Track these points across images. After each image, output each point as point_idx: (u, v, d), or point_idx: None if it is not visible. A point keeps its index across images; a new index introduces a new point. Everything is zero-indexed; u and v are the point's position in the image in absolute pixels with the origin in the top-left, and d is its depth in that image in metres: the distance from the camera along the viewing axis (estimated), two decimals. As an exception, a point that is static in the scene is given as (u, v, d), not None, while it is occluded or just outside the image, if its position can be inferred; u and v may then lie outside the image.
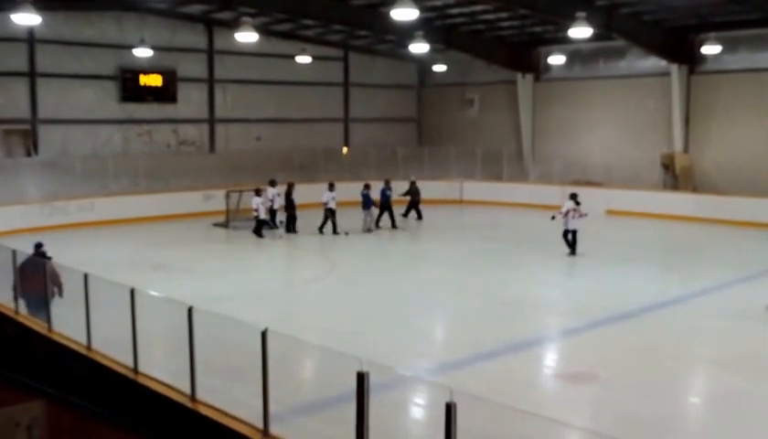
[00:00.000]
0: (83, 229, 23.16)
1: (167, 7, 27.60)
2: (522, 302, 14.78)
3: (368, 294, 15.91)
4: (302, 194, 23.44)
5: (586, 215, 19.06)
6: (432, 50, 27.65)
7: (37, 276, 11.58)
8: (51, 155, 26.28)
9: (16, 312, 11.97)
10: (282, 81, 31.53)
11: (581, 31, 20.29)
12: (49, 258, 12.19)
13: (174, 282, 15.93)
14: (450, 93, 34.88)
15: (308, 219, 22.94)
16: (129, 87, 27.89)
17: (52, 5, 23.54)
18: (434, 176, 30.78)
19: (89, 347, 10.01)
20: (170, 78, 28.82)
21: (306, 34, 30.85)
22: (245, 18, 23.58)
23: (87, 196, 24.61)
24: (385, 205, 23.88)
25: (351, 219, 23.13)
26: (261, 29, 25.61)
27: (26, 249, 12.54)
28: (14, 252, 11.96)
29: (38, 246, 12.63)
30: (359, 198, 23.34)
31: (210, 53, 29.99)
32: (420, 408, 9.27)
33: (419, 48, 24.53)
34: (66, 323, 10.80)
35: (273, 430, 7.21)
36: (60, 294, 11.73)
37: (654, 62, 27.84)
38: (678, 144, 27.26)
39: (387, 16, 20.47)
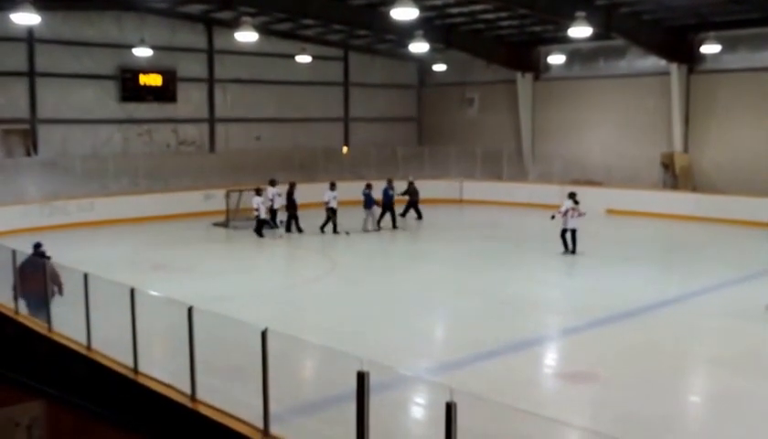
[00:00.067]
0: (83, 229, 23.16)
1: (167, 7, 27.59)
2: (522, 301, 14.78)
3: (368, 293, 15.91)
4: (302, 193, 23.41)
5: (584, 214, 19.12)
6: (432, 50, 27.66)
7: (36, 276, 11.58)
8: (51, 155, 26.28)
9: (16, 312, 11.97)
10: (281, 81, 31.53)
11: (580, 31, 20.28)
12: (48, 257, 12.19)
13: (174, 281, 15.92)
14: (450, 93, 34.88)
15: (308, 219, 22.94)
16: (129, 87, 27.89)
17: (52, 4, 23.53)
18: (434, 175, 30.81)
19: (89, 348, 10.01)
20: (170, 77, 28.82)
21: (306, 33, 30.85)
22: (245, 18, 23.58)
23: (87, 196, 24.61)
24: (387, 205, 23.91)
25: (352, 218, 23.13)
26: (261, 29, 25.61)
27: (26, 249, 12.53)
28: (14, 252, 11.95)
29: (37, 246, 12.63)
30: (359, 198, 23.31)
31: (210, 53, 29.99)
32: (420, 408, 9.27)
33: (419, 47, 24.54)
34: (66, 323, 10.80)
35: (274, 430, 7.21)
36: (61, 292, 11.74)
37: (653, 62, 27.84)
38: (678, 144, 27.27)
39: (387, 15, 20.47)
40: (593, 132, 30.00)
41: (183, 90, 29.23)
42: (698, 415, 9.84)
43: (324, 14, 26.72)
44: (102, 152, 27.33)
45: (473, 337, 12.29)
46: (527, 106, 31.94)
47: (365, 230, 23.00)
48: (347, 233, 22.45)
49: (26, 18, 18.29)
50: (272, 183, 23.02)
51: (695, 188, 26.76)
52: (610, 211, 26.57)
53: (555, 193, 25.41)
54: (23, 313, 11.93)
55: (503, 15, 26.74)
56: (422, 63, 34.67)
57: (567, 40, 26.67)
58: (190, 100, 29.64)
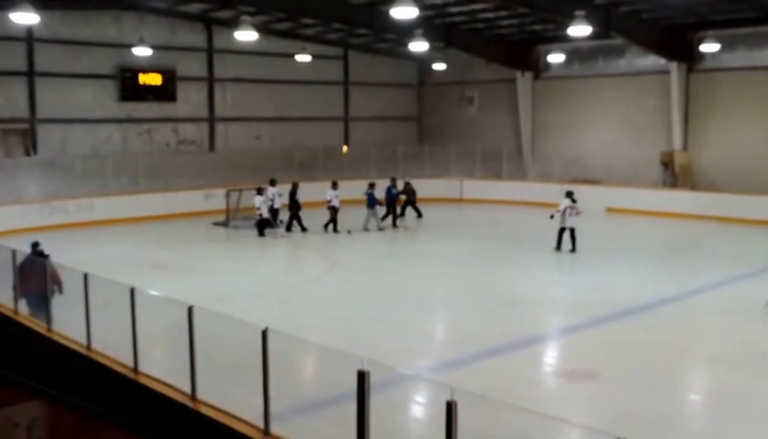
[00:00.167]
0: (83, 228, 23.15)
1: (166, 6, 27.56)
2: (522, 300, 14.78)
3: (368, 292, 15.92)
4: (302, 193, 23.39)
5: (581, 212, 19.18)
6: (432, 49, 27.65)
7: (36, 275, 11.58)
8: (50, 155, 26.25)
9: (16, 312, 11.97)
10: (281, 80, 31.52)
11: (580, 30, 20.30)
12: (47, 256, 12.18)
13: (174, 281, 15.92)
14: (450, 92, 34.87)
15: (309, 218, 22.92)
16: (128, 86, 27.87)
17: (51, 4, 23.50)
18: (434, 174, 30.82)
19: (88, 347, 10.01)
20: (169, 77, 28.81)
21: (306, 32, 30.83)
22: (244, 17, 23.55)
23: (86, 195, 24.59)
24: (390, 204, 23.90)
25: (353, 217, 23.12)
26: (261, 28, 25.58)
27: (26, 249, 12.52)
28: (13, 252, 11.95)
29: (35, 245, 12.60)
30: (359, 197, 23.31)
31: (210, 52, 29.97)
32: (420, 406, 9.27)
33: (418, 46, 24.54)
34: (66, 323, 10.80)
35: (274, 429, 7.21)
36: (61, 290, 11.74)
37: (653, 60, 27.83)
38: (677, 142, 27.28)
39: (386, 14, 20.46)
40: (593, 130, 30.01)
41: (182, 89, 29.21)
42: (698, 413, 9.85)
43: (323, 13, 26.69)
44: (102, 151, 27.30)
45: (473, 336, 12.30)
46: (526, 105, 31.94)
47: (365, 229, 23.00)
48: (349, 232, 22.46)
49: (25, 18, 18.28)
50: (273, 182, 23.01)
51: (694, 187, 26.78)
52: (609, 210, 26.59)
53: (555, 192, 25.38)
54: (23, 313, 11.93)
55: (503, 14, 26.74)
56: (422, 62, 34.67)
57: (566, 39, 26.67)
58: (190, 99, 29.62)
